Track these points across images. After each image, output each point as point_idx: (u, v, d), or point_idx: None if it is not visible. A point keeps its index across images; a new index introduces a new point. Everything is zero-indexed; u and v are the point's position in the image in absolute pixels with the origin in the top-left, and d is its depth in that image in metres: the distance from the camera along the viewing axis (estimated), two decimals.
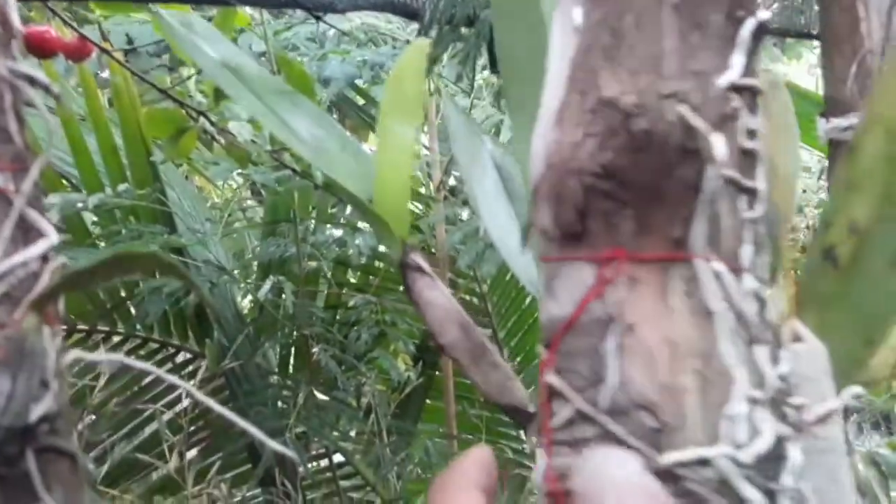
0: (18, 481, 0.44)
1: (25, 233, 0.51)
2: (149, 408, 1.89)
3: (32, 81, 0.52)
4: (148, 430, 1.97)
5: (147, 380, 2.02)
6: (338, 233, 2.13)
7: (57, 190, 1.63)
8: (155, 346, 2.01)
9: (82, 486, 0.48)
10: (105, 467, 1.86)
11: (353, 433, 2.19)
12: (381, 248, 2.20)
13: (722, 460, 0.38)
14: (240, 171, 1.72)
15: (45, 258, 0.51)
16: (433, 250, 2.16)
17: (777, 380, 0.42)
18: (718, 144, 0.40)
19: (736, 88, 0.44)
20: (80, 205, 1.51)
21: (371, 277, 2.27)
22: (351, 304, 2.14)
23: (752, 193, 0.45)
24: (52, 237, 0.52)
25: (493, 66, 1.33)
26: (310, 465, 2.08)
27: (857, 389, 0.49)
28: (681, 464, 0.38)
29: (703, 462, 0.38)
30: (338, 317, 2.20)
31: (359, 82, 1.98)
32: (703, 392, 0.40)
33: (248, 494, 2.07)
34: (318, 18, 1.35)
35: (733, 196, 0.44)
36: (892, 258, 0.47)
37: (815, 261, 0.51)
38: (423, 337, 2.14)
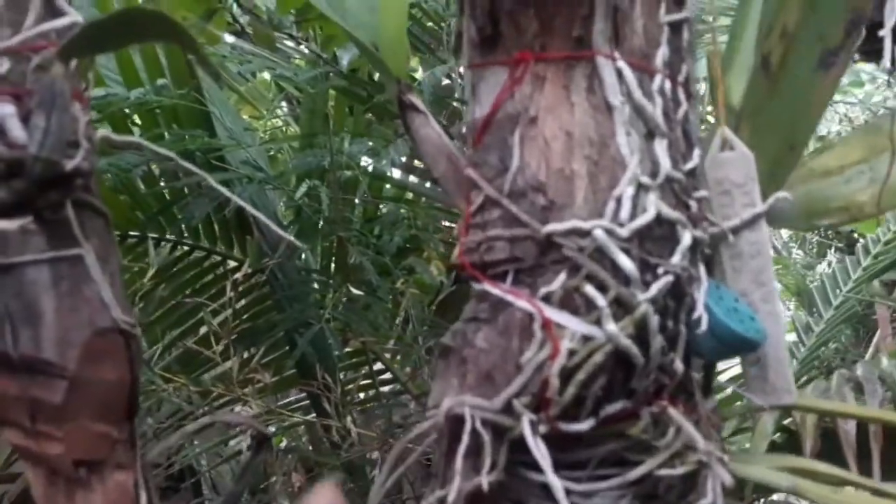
0: (60, 226, 0.50)
1: (52, 13, 0.54)
2: (200, 308, 2.01)
3: None
4: (192, 338, 2.08)
5: (197, 284, 2.14)
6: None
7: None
8: (201, 254, 2.12)
9: (115, 246, 0.54)
10: (161, 363, 2.00)
11: (390, 342, 2.27)
12: (416, 163, 2.24)
13: (598, 231, 0.41)
14: (274, 75, 1.77)
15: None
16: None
17: (679, 173, 0.45)
18: None
19: None
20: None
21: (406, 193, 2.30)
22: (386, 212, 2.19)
23: None
24: (75, 16, 0.55)
25: None
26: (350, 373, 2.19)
27: (783, 195, 0.51)
28: (560, 233, 0.41)
29: (583, 233, 0.41)
30: (374, 229, 2.25)
31: None
32: (592, 176, 0.43)
33: (292, 397, 2.20)
34: None
35: None
36: (816, 60, 0.48)
37: (754, 71, 0.53)
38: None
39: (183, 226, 2.16)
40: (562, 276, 0.41)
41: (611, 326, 0.40)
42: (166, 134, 1.75)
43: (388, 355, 2.22)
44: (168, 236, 2.15)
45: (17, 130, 0.45)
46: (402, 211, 2.14)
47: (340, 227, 2.03)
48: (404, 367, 2.21)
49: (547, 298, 0.41)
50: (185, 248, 2.18)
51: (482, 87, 0.47)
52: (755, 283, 0.48)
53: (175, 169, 1.97)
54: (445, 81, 2.01)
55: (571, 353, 0.40)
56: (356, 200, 2.23)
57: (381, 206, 2.31)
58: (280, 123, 2.65)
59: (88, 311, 0.46)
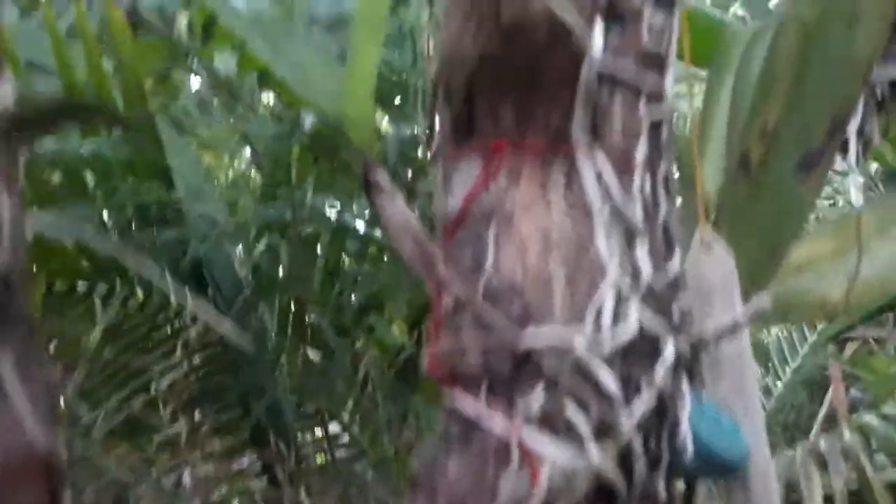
0: None
1: None
2: (149, 366, 1.92)
3: None
4: (138, 400, 1.99)
5: (148, 342, 2.05)
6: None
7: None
8: (153, 309, 2.03)
9: (40, 356, 0.47)
10: (104, 426, 1.89)
11: (349, 402, 2.20)
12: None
13: (579, 346, 0.38)
14: (239, 134, 1.74)
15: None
16: (431, 217, 2.16)
17: (660, 278, 0.42)
18: (596, 35, 0.40)
19: None
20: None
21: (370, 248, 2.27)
22: (347, 268, 2.15)
23: (653, 95, 0.44)
24: (6, 97, 0.49)
25: None
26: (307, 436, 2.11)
27: (764, 299, 0.49)
28: (539, 347, 0.38)
29: (562, 346, 0.38)
30: (335, 284, 2.20)
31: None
32: (571, 280, 0.40)
33: (244, 462, 2.10)
34: None
35: (629, 96, 0.44)
36: (797, 162, 0.47)
37: (731, 169, 0.51)
38: (420, 307, 2.15)
39: (135, 279, 2.07)
40: (540, 393, 0.38)
41: (594, 455, 0.37)
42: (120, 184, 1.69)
43: (346, 415, 2.14)
44: (118, 289, 2.06)
45: None
46: (366, 266, 2.09)
47: (300, 284, 1.97)
48: (363, 431, 2.13)
49: (525, 418, 0.38)
50: (137, 301, 2.08)
51: (455, 177, 0.44)
52: (736, 392, 0.46)
53: (128, 219, 1.90)
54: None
55: (551, 482, 0.36)
56: (317, 253, 2.17)
57: (342, 260, 2.25)
58: (242, 167, 2.60)
59: (1, 435, 0.40)
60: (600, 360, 0.38)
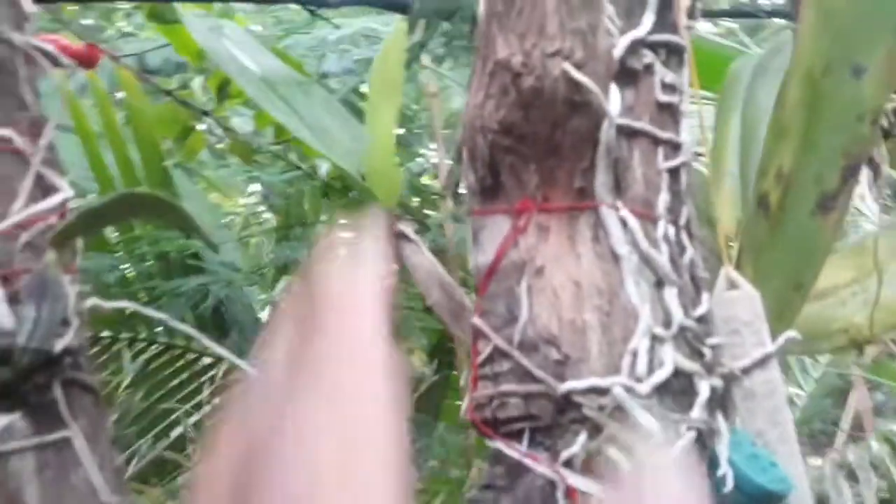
0: (47, 409, 0.47)
1: (43, 190, 0.54)
2: (175, 408, 1.94)
3: (46, 55, 0.56)
4: (172, 436, 2.01)
5: (172, 384, 2.07)
6: None
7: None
8: (177, 351, 2.06)
9: (105, 420, 0.52)
10: (132, 467, 1.92)
11: None
12: None
13: (618, 389, 0.40)
14: (250, 176, 1.77)
15: (61, 214, 0.54)
16: (442, 249, 2.18)
17: (690, 320, 0.44)
18: (613, 97, 0.43)
19: (649, 45, 0.47)
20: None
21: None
22: None
23: (669, 144, 0.47)
24: (67, 192, 0.54)
25: None
26: None
27: (791, 334, 0.51)
28: (579, 392, 0.40)
29: (601, 391, 0.40)
30: None
31: (363, 88, 2.02)
32: (605, 328, 0.42)
33: None
34: (311, 12, 1.37)
35: (647, 147, 0.46)
36: (814, 203, 0.48)
37: (752, 209, 0.53)
38: (439, 336, 2.16)
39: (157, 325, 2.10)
40: (582, 437, 0.40)
41: None
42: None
43: None
44: (141, 336, 2.09)
45: (4, 317, 0.44)
46: None
47: None
48: None
49: (568, 463, 0.40)
50: (161, 346, 2.11)
51: (484, 234, 0.47)
52: (770, 423, 0.47)
53: (149, 270, 1.94)
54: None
55: None
56: None
57: None
58: (253, 202, 2.64)
59: (75, 501, 0.43)
60: (638, 401, 0.40)
